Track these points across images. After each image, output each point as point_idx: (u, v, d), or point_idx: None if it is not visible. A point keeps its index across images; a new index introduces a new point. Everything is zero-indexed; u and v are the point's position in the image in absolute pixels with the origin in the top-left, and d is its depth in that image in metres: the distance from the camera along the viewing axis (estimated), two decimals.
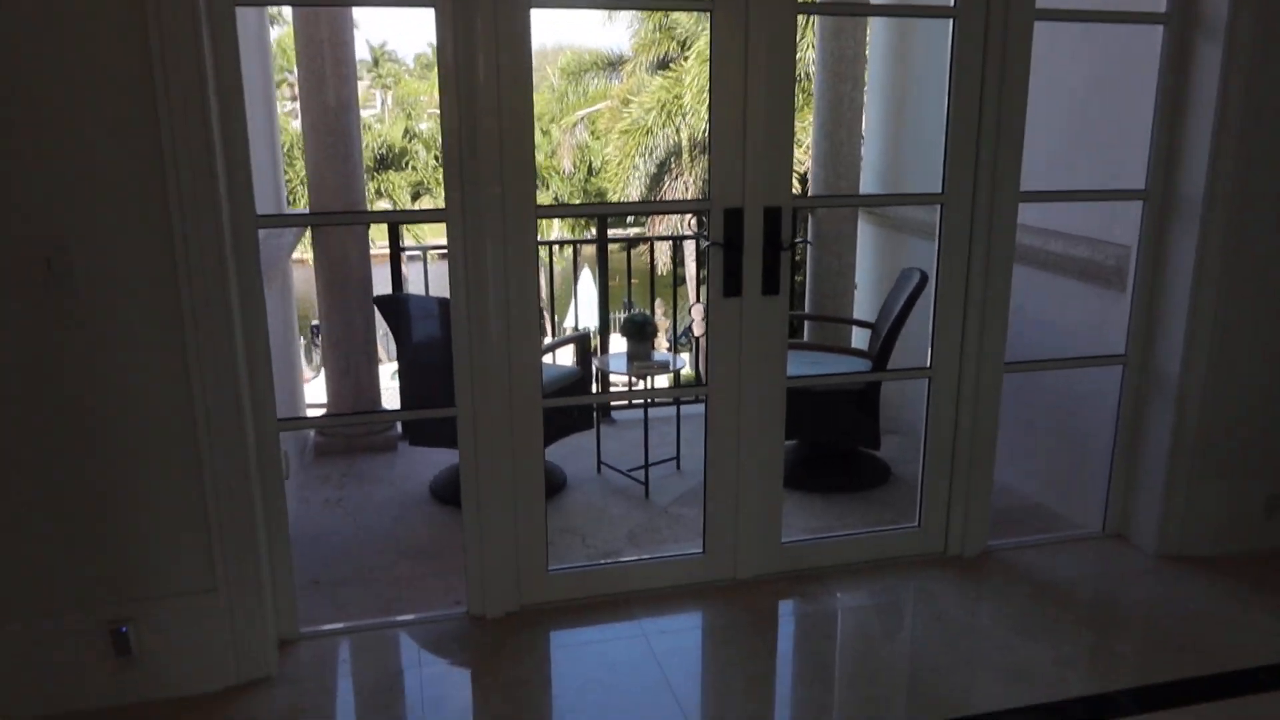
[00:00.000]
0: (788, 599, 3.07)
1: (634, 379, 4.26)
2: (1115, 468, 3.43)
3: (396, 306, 3.92)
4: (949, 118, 2.96)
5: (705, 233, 2.90)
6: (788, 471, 4.01)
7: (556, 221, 17.86)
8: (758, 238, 2.87)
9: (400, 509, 4.07)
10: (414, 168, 21.90)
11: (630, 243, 10.60)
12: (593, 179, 20.40)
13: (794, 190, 2.98)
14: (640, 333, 4.16)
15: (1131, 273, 3.29)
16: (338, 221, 4.50)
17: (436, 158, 21.48)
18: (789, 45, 2.78)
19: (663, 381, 4.73)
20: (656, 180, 18.83)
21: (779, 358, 3.02)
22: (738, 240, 2.86)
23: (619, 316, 4.89)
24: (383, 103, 27.95)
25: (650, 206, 16.89)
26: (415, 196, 21.59)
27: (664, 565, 3.14)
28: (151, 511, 2.48)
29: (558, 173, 20.51)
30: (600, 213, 3.96)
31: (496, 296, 2.71)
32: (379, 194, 20.93)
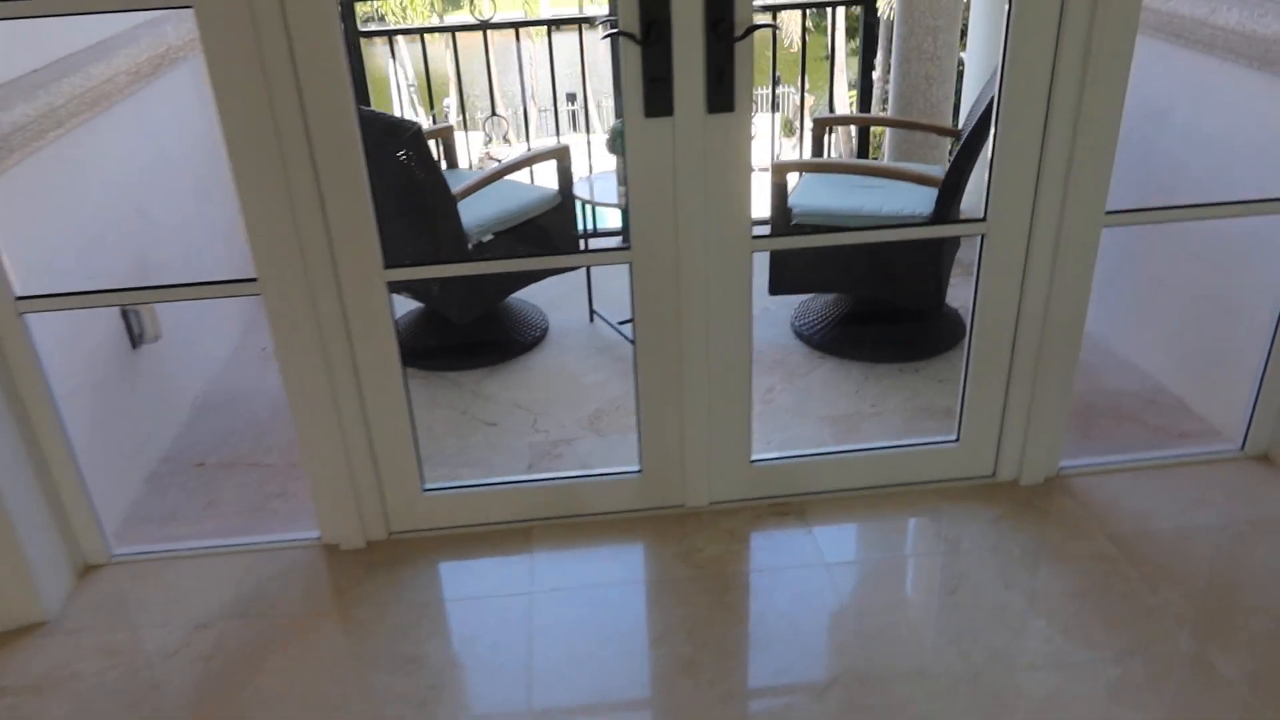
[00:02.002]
0: (746, 544, 2.23)
1: (624, 208, 3.29)
2: (1272, 361, 2.31)
3: None
4: None
5: (614, 17, 1.86)
6: (826, 334, 3.11)
7: None
8: (695, 19, 1.81)
9: None
10: None
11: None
12: None
13: None
14: None
15: None
16: None
17: None
18: None
19: None
20: None
21: (739, 207, 2.01)
22: (662, 24, 1.81)
23: None
24: None
25: None
26: None
27: (585, 487, 2.32)
28: None
29: None
30: None
31: (280, 97, 1.81)
32: None
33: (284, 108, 1.80)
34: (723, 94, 1.88)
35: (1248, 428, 2.39)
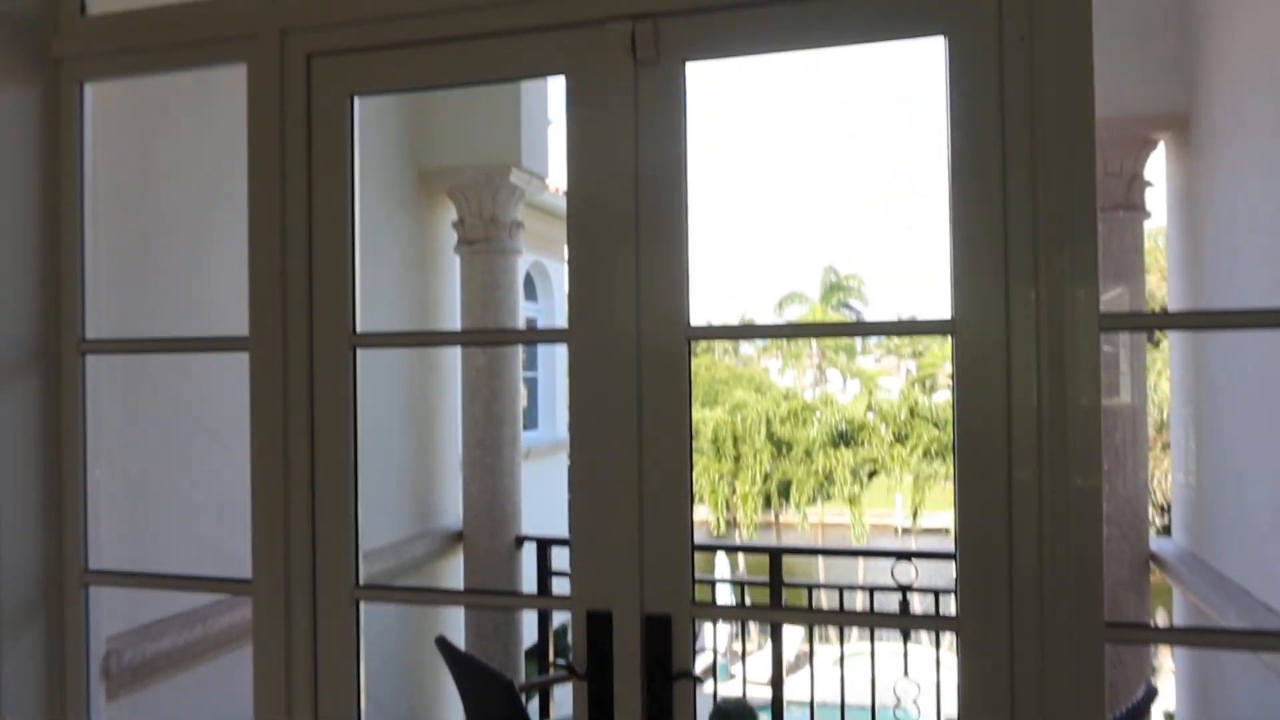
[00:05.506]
0: None
1: None
2: None
3: (456, 661, 3.38)
4: None
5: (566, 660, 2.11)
6: None
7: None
8: (634, 660, 2.05)
9: None
10: (868, 443, 20.79)
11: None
12: None
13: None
14: None
15: None
16: None
17: (896, 435, 20.29)
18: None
19: None
20: None
21: None
22: (604, 661, 2.06)
23: None
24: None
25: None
26: (871, 475, 20.75)
27: None
28: None
29: None
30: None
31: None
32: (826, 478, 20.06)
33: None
34: None
35: None
